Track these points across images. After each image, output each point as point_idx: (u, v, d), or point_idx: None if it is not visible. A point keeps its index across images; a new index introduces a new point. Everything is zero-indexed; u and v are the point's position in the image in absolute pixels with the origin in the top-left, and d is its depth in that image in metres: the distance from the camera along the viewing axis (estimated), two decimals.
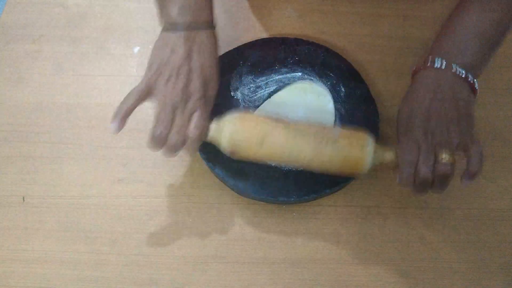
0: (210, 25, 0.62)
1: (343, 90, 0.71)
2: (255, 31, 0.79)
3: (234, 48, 0.73)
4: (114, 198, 0.66)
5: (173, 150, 0.58)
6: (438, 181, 0.56)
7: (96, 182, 0.67)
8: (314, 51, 0.74)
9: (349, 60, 0.74)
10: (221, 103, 0.70)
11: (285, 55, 0.73)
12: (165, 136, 0.57)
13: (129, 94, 0.59)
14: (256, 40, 0.75)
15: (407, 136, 0.58)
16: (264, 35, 0.78)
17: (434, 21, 0.80)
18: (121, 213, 0.65)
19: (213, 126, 0.60)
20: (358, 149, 0.58)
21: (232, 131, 0.59)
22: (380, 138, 0.69)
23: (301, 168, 0.63)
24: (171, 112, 0.58)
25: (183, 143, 0.58)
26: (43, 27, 0.78)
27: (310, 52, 0.74)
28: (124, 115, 0.58)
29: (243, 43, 0.74)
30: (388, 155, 0.59)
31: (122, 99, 0.72)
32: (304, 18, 0.80)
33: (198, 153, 0.67)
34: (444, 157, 0.55)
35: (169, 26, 0.60)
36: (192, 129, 0.58)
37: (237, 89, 0.71)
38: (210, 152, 0.65)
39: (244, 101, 0.71)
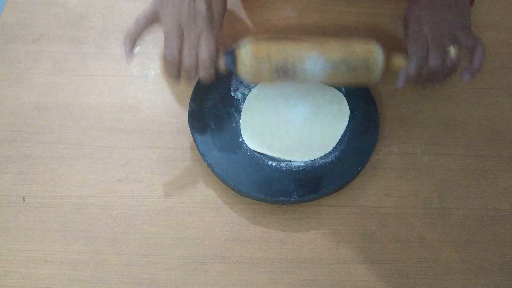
0: None
1: (343, 90, 0.71)
2: (255, 31, 0.79)
3: None
4: (114, 198, 0.66)
5: (189, 72, 0.60)
6: (444, 74, 0.61)
7: (96, 182, 0.67)
8: None
9: None
10: (221, 103, 0.70)
11: None
12: (178, 57, 0.59)
13: (136, 19, 0.61)
14: None
15: (416, 32, 0.61)
16: (264, 35, 0.78)
17: None
18: (121, 213, 0.65)
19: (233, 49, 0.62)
20: (368, 47, 0.62)
21: (249, 43, 0.62)
22: (380, 138, 0.69)
23: (311, 77, 0.63)
24: (178, 34, 0.59)
25: (196, 64, 0.59)
26: (43, 27, 0.78)
27: None
28: (132, 38, 0.59)
29: None
30: (399, 60, 0.63)
31: (122, 99, 0.73)
32: (304, 18, 0.80)
33: (198, 153, 0.67)
34: (453, 51, 0.60)
35: None
36: (203, 50, 0.59)
37: (237, 89, 0.71)
38: (210, 151, 0.65)
39: (244, 101, 0.71)
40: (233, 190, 0.65)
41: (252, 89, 0.71)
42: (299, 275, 0.62)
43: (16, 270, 0.61)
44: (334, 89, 0.71)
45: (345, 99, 0.70)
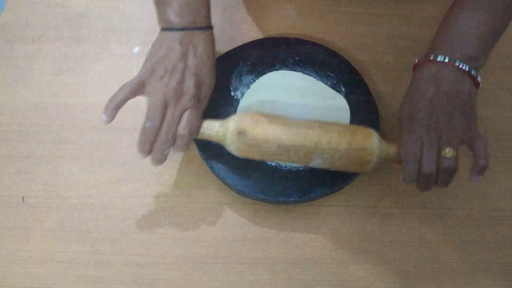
0: (207, 26, 0.63)
1: (343, 90, 0.71)
2: (255, 31, 0.79)
3: (234, 48, 0.73)
4: (114, 198, 0.66)
5: (164, 146, 0.58)
6: (442, 176, 0.56)
7: (96, 182, 0.67)
8: (314, 51, 0.74)
9: (349, 60, 0.74)
10: (221, 103, 0.70)
11: (285, 55, 0.73)
12: (155, 131, 0.58)
13: (121, 87, 0.59)
14: (256, 40, 0.75)
15: (410, 131, 0.58)
16: (264, 35, 0.78)
17: (434, 21, 0.80)
18: (121, 213, 0.65)
19: (216, 124, 0.61)
20: (364, 141, 0.59)
21: (238, 121, 0.60)
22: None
23: (306, 164, 0.62)
24: (162, 108, 0.58)
25: (172, 141, 0.58)
26: (43, 27, 0.78)
27: (310, 52, 0.74)
28: (115, 106, 0.58)
29: (243, 43, 0.74)
30: (392, 150, 0.59)
31: None
32: (304, 18, 0.80)
33: (198, 153, 0.67)
34: (448, 151, 0.55)
35: (166, 27, 0.61)
36: (182, 126, 0.58)
37: (237, 89, 0.71)
38: (210, 152, 0.65)
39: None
40: (233, 190, 0.65)
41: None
42: (299, 275, 0.62)
43: (16, 270, 0.61)
44: (333, 90, 0.71)
45: (345, 100, 0.70)
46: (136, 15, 0.80)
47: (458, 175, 0.67)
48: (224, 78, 0.71)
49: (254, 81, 0.72)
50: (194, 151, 0.68)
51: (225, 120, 0.61)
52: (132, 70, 0.75)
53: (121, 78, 0.74)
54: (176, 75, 0.59)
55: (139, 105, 0.72)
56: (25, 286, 0.60)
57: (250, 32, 0.78)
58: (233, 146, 0.60)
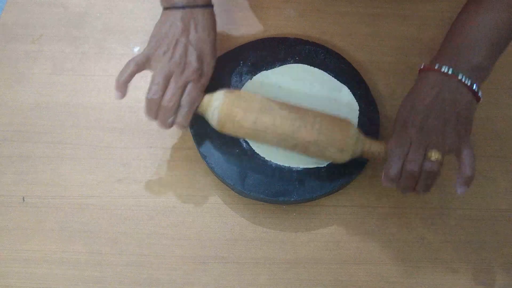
0: (208, 4, 0.65)
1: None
2: (255, 31, 0.79)
3: (234, 48, 0.73)
4: (114, 198, 0.66)
5: (166, 115, 0.61)
6: (424, 179, 0.57)
7: (96, 182, 0.67)
8: (314, 51, 0.74)
9: (349, 60, 0.74)
10: None
11: (285, 55, 0.73)
12: (158, 98, 0.60)
13: (127, 63, 0.61)
14: (256, 40, 0.75)
15: (402, 131, 0.59)
16: (264, 35, 0.78)
17: (434, 21, 0.80)
18: (121, 213, 0.65)
19: (205, 97, 0.63)
20: (340, 133, 0.60)
21: (222, 103, 0.61)
22: (380, 138, 0.69)
23: (283, 148, 0.63)
24: (166, 78, 0.61)
25: (174, 109, 0.61)
26: (43, 27, 0.78)
27: (310, 52, 0.74)
28: (124, 82, 0.61)
29: (243, 43, 0.74)
30: (377, 147, 0.60)
31: (122, 99, 0.72)
32: (304, 18, 0.80)
33: (198, 153, 0.67)
34: (433, 155, 0.56)
35: (169, 6, 0.64)
36: (185, 97, 0.61)
37: (237, 89, 0.71)
38: (210, 151, 0.65)
39: None
40: (233, 190, 0.65)
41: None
42: (299, 275, 0.62)
43: (16, 270, 0.61)
44: (351, 97, 0.70)
45: (357, 111, 0.69)
46: (136, 15, 0.80)
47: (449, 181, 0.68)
48: (224, 78, 0.71)
49: None
50: (194, 150, 0.68)
51: (211, 97, 0.63)
52: None
53: None
54: (179, 49, 0.61)
55: (139, 105, 0.72)
56: (25, 286, 0.60)
57: (250, 32, 0.78)
58: (213, 124, 0.63)
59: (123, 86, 0.61)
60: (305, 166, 0.65)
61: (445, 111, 0.57)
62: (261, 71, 0.72)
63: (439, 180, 0.67)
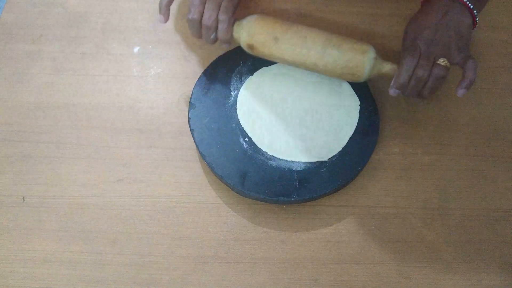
0: None
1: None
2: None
3: (234, 48, 0.73)
4: (114, 198, 0.66)
5: (208, 33, 0.67)
6: (431, 83, 0.63)
7: (96, 182, 0.67)
8: None
9: None
10: (221, 103, 0.70)
11: None
12: (198, 18, 0.66)
13: None
14: None
15: (411, 46, 0.65)
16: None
17: None
18: (121, 213, 0.65)
19: (235, 24, 0.68)
20: (359, 54, 0.65)
21: (251, 27, 0.67)
22: (380, 138, 0.69)
23: (307, 68, 0.67)
24: (201, 1, 0.66)
25: (214, 26, 0.66)
26: (43, 27, 0.78)
27: None
28: (166, 5, 0.67)
29: None
30: (388, 66, 0.65)
31: (122, 99, 0.73)
32: (304, 18, 0.80)
33: (198, 153, 0.67)
34: (442, 60, 0.63)
35: None
36: (221, 13, 0.66)
37: (237, 89, 0.71)
38: (210, 151, 0.65)
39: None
40: (233, 190, 0.65)
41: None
42: (299, 275, 0.62)
43: (16, 270, 0.61)
44: (352, 93, 0.71)
45: (358, 106, 0.70)
46: (136, 15, 0.80)
47: (458, 176, 0.68)
48: (224, 78, 0.71)
49: None
50: (194, 150, 0.68)
51: (240, 23, 0.68)
52: (132, 70, 0.75)
53: (121, 78, 0.75)
54: None
55: (139, 105, 0.72)
56: (25, 286, 0.60)
57: None
58: (249, 27, 0.67)
59: (165, 9, 0.67)
60: (306, 160, 0.66)
61: (450, 29, 0.64)
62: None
63: (439, 180, 0.67)
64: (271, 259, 0.63)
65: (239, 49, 0.73)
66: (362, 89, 0.71)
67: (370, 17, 0.81)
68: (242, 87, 0.71)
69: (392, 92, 0.64)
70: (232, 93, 0.71)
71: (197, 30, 0.67)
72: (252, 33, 0.66)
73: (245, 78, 0.72)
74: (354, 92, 0.70)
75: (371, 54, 0.65)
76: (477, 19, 0.66)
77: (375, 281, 0.61)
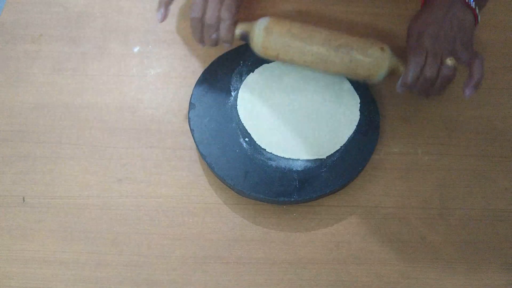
0: None
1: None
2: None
3: (234, 48, 0.73)
4: (114, 198, 0.66)
5: (210, 31, 0.66)
6: (439, 83, 0.63)
7: (96, 182, 0.67)
8: None
9: None
10: (221, 103, 0.70)
11: None
12: (200, 17, 0.65)
13: None
14: None
15: (418, 44, 0.65)
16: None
17: None
18: (121, 213, 0.65)
19: (244, 25, 0.68)
20: (378, 51, 0.66)
21: (270, 17, 0.67)
22: (380, 138, 0.69)
23: (320, 57, 0.66)
24: (203, 0, 0.65)
25: (216, 25, 0.66)
26: (43, 27, 0.78)
27: None
28: (166, 2, 0.67)
29: (243, 42, 0.74)
30: (402, 68, 0.66)
31: (122, 99, 0.73)
32: (304, 18, 0.80)
33: (198, 153, 0.67)
34: (450, 60, 0.63)
35: None
36: (224, 11, 0.65)
37: (237, 89, 0.71)
38: (210, 152, 0.65)
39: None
40: (233, 190, 0.65)
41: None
42: (299, 275, 0.62)
43: (16, 270, 0.61)
44: (352, 91, 0.71)
45: (358, 104, 0.70)
46: (136, 15, 0.80)
47: (458, 176, 0.68)
48: (224, 78, 0.71)
49: None
50: (194, 150, 0.68)
51: (252, 24, 0.68)
52: (132, 70, 0.75)
53: (121, 78, 0.75)
54: None
55: (139, 105, 0.72)
56: (25, 286, 0.60)
57: None
58: (260, 29, 0.67)
59: (166, 7, 0.67)
60: (306, 158, 0.66)
61: (454, 25, 0.64)
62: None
63: (440, 180, 0.67)
64: (271, 259, 0.63)
65: (239, 49, 0.74)
66: (362, 89, 0.71)
67: (370, 17, 0.81)
68: (243, 83, 0.71)
69: (400, 90, 0.65)
70: (232, 93, 0.71)
71: (199, 31, 0.67)
72: (266, 26, 0.66)
73: (245, 78, 0.72)
74: (354, 90, 0.70)
75: (389, 53, 0.66)
76: (478, 16, 0.66)
77: (375, 281, 0.61)
